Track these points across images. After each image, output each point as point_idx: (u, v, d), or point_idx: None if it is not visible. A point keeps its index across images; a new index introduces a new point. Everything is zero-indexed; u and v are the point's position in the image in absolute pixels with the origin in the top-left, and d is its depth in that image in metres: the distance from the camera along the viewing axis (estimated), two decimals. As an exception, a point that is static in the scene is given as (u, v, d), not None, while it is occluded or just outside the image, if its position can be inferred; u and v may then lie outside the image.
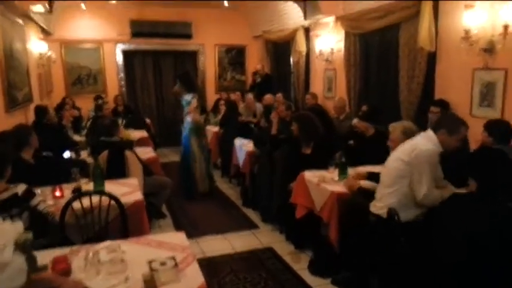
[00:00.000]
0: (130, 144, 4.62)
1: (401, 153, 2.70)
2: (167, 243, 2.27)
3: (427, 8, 4.26)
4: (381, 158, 4.04)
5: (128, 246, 2.21)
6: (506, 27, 3.52)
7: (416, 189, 2.60)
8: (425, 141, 2.67)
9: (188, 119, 5.59)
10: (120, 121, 5.34)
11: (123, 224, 2.73)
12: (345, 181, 3.39)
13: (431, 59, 4.48)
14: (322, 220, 3.53)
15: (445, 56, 4.37)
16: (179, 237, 2.37)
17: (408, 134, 3.16)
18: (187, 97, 5.56)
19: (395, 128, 3.25)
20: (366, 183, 3.32)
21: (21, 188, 2.57)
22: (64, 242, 2.63)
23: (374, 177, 3.41)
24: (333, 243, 3.34)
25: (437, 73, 4.50)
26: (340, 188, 3.39)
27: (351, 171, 3.68)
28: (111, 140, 4.29)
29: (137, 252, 2.15)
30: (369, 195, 3.12)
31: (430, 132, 2.75)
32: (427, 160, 2.60)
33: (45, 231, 2.67)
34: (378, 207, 2.82)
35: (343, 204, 3.28)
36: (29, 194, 2.61)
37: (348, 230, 3.19)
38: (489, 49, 3.78)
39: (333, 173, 3.71)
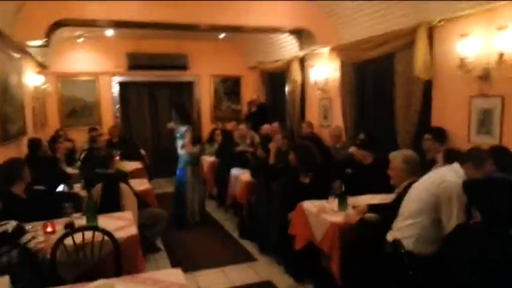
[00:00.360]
0: (125, 176, 4.54)
1: (428, 185, 2.61)
2: (163, 281, 2.16)
3: (422, 37, 4.31)
4: (379, 186, 4.04)
5: (122, 285, 2.11)
6: (501, 55, 3.55)
7: (446, 221, 2.49)
8: (452, 174, 2.59)
9: (183, 151, 5.66)
10: (114, 152, 5.28)
11: (116, 260, 2.61)
12: (345, 215, 3.30)
13: (428, 87, 4.50)
14: (322, 251, 3.43)
15: (441, 84, 4.39)
16: (175, 274, 2.27)
17: (409, 163, 3.12)
18: (182, 129, 5.65)
19: (395, 157, 3.21)
20: (367, 216, 3.24)
21: (11, 225, 2.48)
22: (55, 280, 2.52)
23: (374, 209, 3.34)
24: (335, 276, 3.22)
25: (433, 101, 4.52)
26: (340, 218, 3.31)
27: (351, 200, 3.61)
28: (106, 172, 4.21)
29: (131, 292, 2.04)
30: (371, 226, 3.04)
31: (456, 165, 2.68)
32: (457, 192, 2.52)
33: (36, 269, 2.55)
34: (397, 238, 2.70)
35: (345, 236, 3.19)
36: (20, 231, 2.52)
37: (351, 262, 3.09)
38: (485, 76, 3.81)
39: (332, 203, 3.63)
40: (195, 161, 5.79)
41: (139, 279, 2.21)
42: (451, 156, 3.09)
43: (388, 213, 3.05)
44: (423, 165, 3.39)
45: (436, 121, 4.49)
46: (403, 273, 2.60)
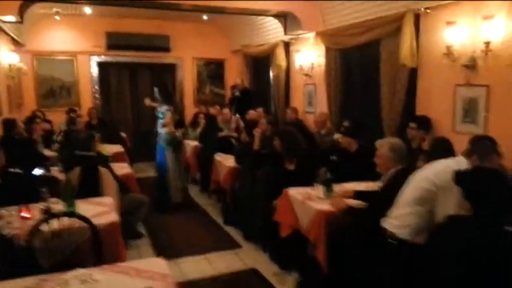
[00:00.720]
0: (106, 160, 4.39)
1: (430, 174, 2.54)
2: (145, 271, 2.08)
3: (408, 24, 4.27)
4: (364, 174, 4.03)
5: (101, 275, 2.02)
6: (487, 43, 3.54)
7: (440, 212, 2.44)
8: (455, 166, 2.51)
9: (163, 130, 5.65)
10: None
11: (95, 248, 2.52)
12: (332, 200, 3.27)
13: (413, 75, 4.49)
14: (308, 239, 3.40)
15: (427, 72, 4.38)
16: (158, 263, 2.19)
17: (396, 151, 3.10)
18: (163, 109, 5.63)
19: (382, 145, 3.17)
20: (353, 202, 3.22)
21: None
22: (31, 267, 2.42)
23: (361, 195, 3.32)
24: (321, 264, 3.19)
25: (418, 89, 4.51)
26: (326, 206, 3.28)
27: (336, 187, 3.58)
28: (88, 154, 4.06)
29: (112, 282, 1.96)
30: (358, 214, 3.02)
31: (461, 158, 2.63)
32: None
33: (11, 256, 2.44)
34: (394, 225, 2.65)
35: (331, 224, 3.16)
36: None
37: (337, 250, 3.07)
38: (471, 65, 3.80)
39: (318, 190, 3.60)
40: (175, 142, 5.78)
41: (119, 268, 2.13)
42: (438, 145, 3.09)
43: (375, 200, 3.03)
44: (409, 154, 3.38)
45: (420, 109, 4.48)
46: (395, 262, 2.58)
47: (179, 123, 7.24)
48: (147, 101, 6.02)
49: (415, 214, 2.55)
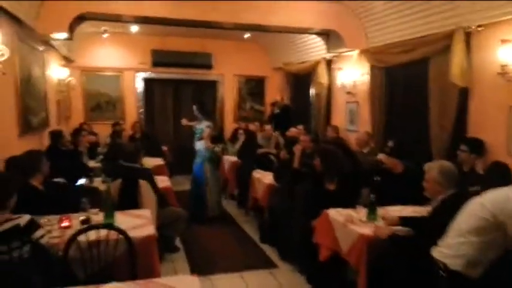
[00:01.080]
0: (149, 173, 4.37)
1: (488, 203, 2.31)
2: (179, 289, 2.02)
3: (458, 42, 4.08)
4: (409, 197, 3.82)
5: (135, 290, 1.97)
6: (547, 62, 3.30)
7: (499, 243, 2.24)
8: None
9: (201, 147, 5.77)
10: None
11: (131, 262, 2.49)
12: (375, 228, 3.09)
13: (464, 95, 4.26)
14: (348, 263, 3.24)
15: (479, 92, 4.15)
16: (191, 282, 2.11)
17: (446, 175, 2.88)
18: (202, 125, 5.75)
19: (431, 168, 2.97)
20: (399, 230, 3.03)
21: (24, 220, 2.37)
22: (67, 278, 2.42)
23: (408, 222, 3.12)
24: (362, 291, 3.01)
25: (470, 110, 4.27)
26: (369, 230, 3.11)
27: (380, 210, 3.40)
28: (134, 166, 4.10)
29: (146, 299, 1.91)
30: (403, 242, 2.83)
31: None
32: None
33: (47, 265, 2.44)
34: (446, 255, 2.44)
35: (373, 249, 2.98)
36: (32, 226, 2.42)
37: (379, 277, 2.88)
38: (528, 85, 3.55)
39: (360, 213, 3.43)
40: (213, 157, 5.91)
41: (153, 285, 2.07)
42: (494, 170, 2.86)
43: (423, 228, 2.83)
44: (461, 178, 3.15)
45: (472, 131, 4.23)
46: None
47: (218, 138, 7.33)
48: (184, 121, 6.16)
49: (469, 244, 2.32)
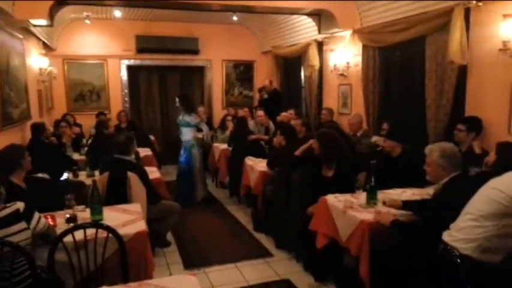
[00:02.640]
0: (141, 167, 4.16)
1: (503, 185, 2.19)
2: (176, 291, 1.87)
3: (458, 18, 3.92)
4: (407, 180, 3.71)
5: (127, 294, 1.82)
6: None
7: None
8: None
9: (190, 137, 6.03)
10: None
11: (122, 262, 2.32)
12: (376, 214, 2.96)
13: (462, 73, 4.13)
14: (346, 250, 3.12)
15: (478, 70, 4.02)
16: (190, 283, 1.96)
17: (448, 157, 2.75)
18: (187, 118, 5.93)
19: (432, 150, 2.82)
20: (400, 215, 2.92)
21: (21, 205, 2.33)
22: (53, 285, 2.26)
23: (410, 206, 3.01)
24: (364, 280, 2.90)
25: (468, 88, 4.14)
26: (370, 215, 2.98)
27: (379, 195, 3.28)
28: (124, 158, 3.90)
29: (139, 304, 1.75)
30: (407, 228, 2.71)
31: None
32: None
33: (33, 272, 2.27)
34: (457, 239, 2.33)
35: (375, 235, 2.87)
36: (30, 212, 2.36)
37: (381, 265, 2.77)
38: (532, 61, 3.43)
39: (359, 198, 3.31)
40: (201, 143, 6.23)
41: (148, 287, 1.92)
42: (506, 152, 2.74)
43: (429, 212, 2.71)
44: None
45: (471, 110, 4.12)
46: (453, 280, 2.26)
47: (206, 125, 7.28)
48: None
49: (482, 229, 2.21)
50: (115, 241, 2.36)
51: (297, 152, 4.14)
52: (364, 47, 5.52)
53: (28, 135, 5.20)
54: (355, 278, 3.01)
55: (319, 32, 6.33)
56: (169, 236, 4.67)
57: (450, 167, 2.75)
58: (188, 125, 5.97)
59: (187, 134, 6.02)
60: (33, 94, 5.86)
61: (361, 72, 5.60)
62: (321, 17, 6.15)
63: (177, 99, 6.04)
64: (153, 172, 4.69)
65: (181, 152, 6.15)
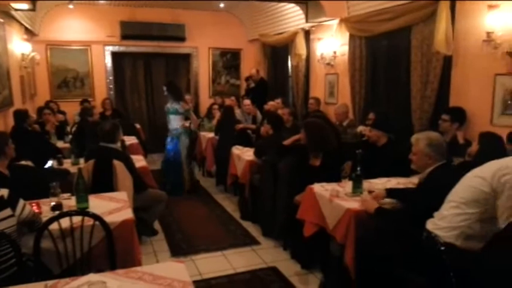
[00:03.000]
0: (126, 155, 4.13)
1: (485, 173, 2.23)
2: (164, 278, 1.87)
3: (444, 9, 3.95)
4: (392, 169, 3.76)
5: (115, 282, 1.81)
6: (535, 28, 3.23)
7: (501, 219, 2.18)
8: None
9: (178, 126, 5.96)
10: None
11: (109, 250, 2.32)
12: (362, 201, 3.01)
13: (447, 63, 4.17)
14: (333, 237, 3.16)
15: (463, 61, 4.07)
16: (177, 269, 1.97)
17: (434, 146, 2.80)
18: (175, 105, 5.87)
19: (418, 140, 2.86)
20: (385, 203, 2.96)
21: (4, 192, 2.27)
22: (39, 273, 2.24)
23: (394, 193, 3.06)
24: (349, 268, 2.95)
25: (453, 79, 4.20)
26: (355, 204, 3.03)
27: (364, 184, 3.32)
28: (109, 146, 3.85)
29: (128, 291, 1.76)
30: (391, 215, 2.76)
31: None
32: None
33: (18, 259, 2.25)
34: (440, 227, 2.37)
35: (361, 224, 2.91)
36: (15, 199, 2.31)
37: (366, 252, 2.82)
38: (515, 52, 3.48)
39: (345, 187, 3.35)
40: (188, 132, 6.13)
41: (135, 274, 1.92)
42: (488, 142, 2.79)
43: (413, 200, 2.76)
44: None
45: (454, 101, 4.19)
46: (435, 268, 2.32)
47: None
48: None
49: (464, 216, 2.26)
50: (101, 229, 2.35)
51: (286, 142, 4.14)
52: (351, 37, 5.53)
53: (11, 122, 5.10)
54: (341, 266, 3.06)
55: (307, 21, 6.32)
56: (157, 225, 4.67)
57: (436, 156, 2.80)
58: (176, 112, 5.89)
59: (175, 122, 5.95)
60: (15, 80, 5.74)
61: (348, 62, 5.61)
62: (308, 6, 6.13)
63: (164, 88, 5.96)
64: (139, 160, 4.65)
65: (168, 140, 6.08)
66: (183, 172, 6.05)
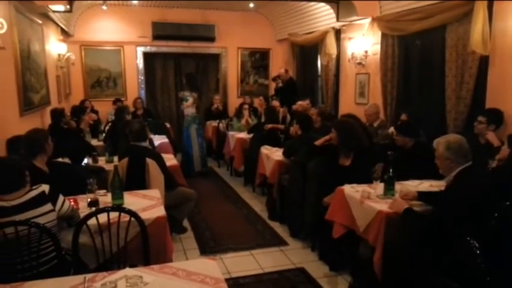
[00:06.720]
0: (158, 154, 4.22)
1: None
2: (197, 274, 1.91)
3: (481, 9, 3.84)
4: (424, 172, 3.67)
5: (150, 277, 1.86)
6: None
7: None
8: None
9: (189, 112, 6.98)
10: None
11: (144, 246, 2.38)
12: (391, 203, 2.96)
13: (483, 63, 4.05)
14: (362, 240, 3.13)
15: (501, 61, 3.93)
16: (210, 266, 2.00)
17: (453, 149, 2.70)
18: (187, 93, 6.95)
19: (439, 143, 2.78)
20: (415, 204, 2.91)
21: (45, 188, 2.38)
22: (76, 267, 2.32)
23: (425, 197, 3.00)
24: (375, 269, 2.91)
25: (490, 80, 4.06)
26: (387, 206, 2.98)
27: (396, 186, 3.26)
28: (141, 145, 3.96)
29: (162, 286, 1.79)
30: (419, 217, 2.71)
31: None
32: None
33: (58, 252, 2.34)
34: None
35: (391, 226, 2.87)
36: (55, 194, 2.42)
37: (394, 255, 2.77)
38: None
39: (376, 188, 3.31)
40: (195, 120, 7.06)
41: (170, 270, 1.96)
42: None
43: (440, 204, 2.70)
44: (477, 151, 3.00)
45: (491, 102, 4.05)
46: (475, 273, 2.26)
47: (222, 114, 8.01)
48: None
49: None
50: (136, 225, 2.41)
51: (318, 142, 4.11)
52: (383, 36, 5.44)
53: (47, 120, 5.29)
54: (370, 269, 3.03)
55: (338, 20, 6.26)
56: (185, 223, 4.75)
57: (457, 159, 2.70)
58: (186, 100, 6.88)
59: (186, 110, 6.92)
60: (52, 80, 5.95)
61: (380, 61, 5.53)
62: (339, 4, 6.08)
63: (184, 79, 6.90)
64: (169, 159, 4.74)
65: (184, 128, 7.11)
66: (193, 158, 7.01)
